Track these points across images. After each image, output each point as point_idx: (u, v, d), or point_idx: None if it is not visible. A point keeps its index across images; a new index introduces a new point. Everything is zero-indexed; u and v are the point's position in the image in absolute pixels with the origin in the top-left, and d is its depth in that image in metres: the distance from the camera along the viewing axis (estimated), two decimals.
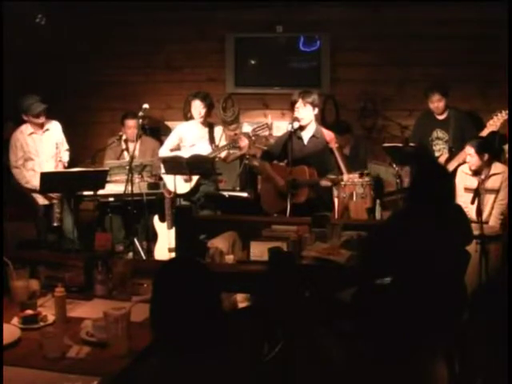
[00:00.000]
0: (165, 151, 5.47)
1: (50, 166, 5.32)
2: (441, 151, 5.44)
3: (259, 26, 6.53)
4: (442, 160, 5.28)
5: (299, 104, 4.76)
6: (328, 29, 6.36)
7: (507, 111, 4.91)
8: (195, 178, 5.33)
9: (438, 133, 5.50)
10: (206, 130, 5.46)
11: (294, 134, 4.82)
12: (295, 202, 4.74)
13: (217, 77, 6.72)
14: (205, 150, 5.32)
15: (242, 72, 6.67)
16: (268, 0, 6.26)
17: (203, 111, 5.38)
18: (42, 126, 5.33)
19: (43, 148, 5.37)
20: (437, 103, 5.41)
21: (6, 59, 6.12)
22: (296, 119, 4.86)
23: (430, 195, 3.23)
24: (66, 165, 5.51)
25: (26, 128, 5.31)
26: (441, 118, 5.49)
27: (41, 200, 5.33)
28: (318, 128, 4.94)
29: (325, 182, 4.68)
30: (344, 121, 6.27)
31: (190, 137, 5.45)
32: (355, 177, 4.64)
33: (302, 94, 4.75)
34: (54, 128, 5.44)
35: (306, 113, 4.78)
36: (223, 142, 5.46)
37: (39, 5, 6.24)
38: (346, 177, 4.68)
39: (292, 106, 4.83)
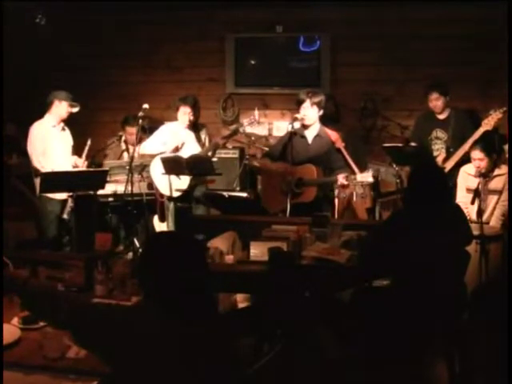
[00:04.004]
0: (150, 147, 5.45)
1: (68, 163, 5.34)
2: (439, 151, 5.45)
3: (259, 26, 6.53)
4: (439, 159, 5.28)
5: (306, 104, 4.77)
6: (328, 29, 6.36)
7: (501, 109, 4.91)
8: (186, 180, 5.29)
9: (438, 132, 5.49)
10: (190, 132, 5.49)
11: (294, 134, 4.84)
12: (302, 202, 4.75)
13: (217, 77, 6.72)
14: (194, 150, 5.32)
15: (242, 72, 6.67)
16: (268, 0, 6.26)
17: (192, 117, 5.39)
18: (59, 122, 5.37)
19: (62, 142, 5.40)
20: (435, 102, 5.41)
21: (5, 59, 6.12)
22: (296, 119, 4.88)
23: (428, 195, 3.23)
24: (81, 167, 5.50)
25: (49, 119, 5.33)
26: (441, 117, 5.49)
27: (60, 195, 5.28)
28: (322, 128, 4.95)
29: (342, 180, 4.65)
30: (339, 111, 6.24)
31: (175, 139, 5.43)
32: (368, 176, 4.60)
33: (310, 95, 4.77)
34: (68, 132, 5.51)
35: (311, 113, 4.81)
36: (206, 143, 5.49)
37: (39, 5, 6.24)
38: (359, 176, 4.65)
39: (298, 105, 4.84)
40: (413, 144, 5.49)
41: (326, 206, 4.88)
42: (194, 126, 5.53)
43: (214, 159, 5.49)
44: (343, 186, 4.79)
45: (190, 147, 5.39)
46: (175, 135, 5.44)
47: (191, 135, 5.55)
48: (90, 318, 1.94)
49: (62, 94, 5.33)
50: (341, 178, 4.63)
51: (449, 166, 5.12)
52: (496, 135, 5.05)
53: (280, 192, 4.91)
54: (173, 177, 5.28)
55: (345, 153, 4.83)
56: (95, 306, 2.29)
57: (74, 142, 5.56)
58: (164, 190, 5.37)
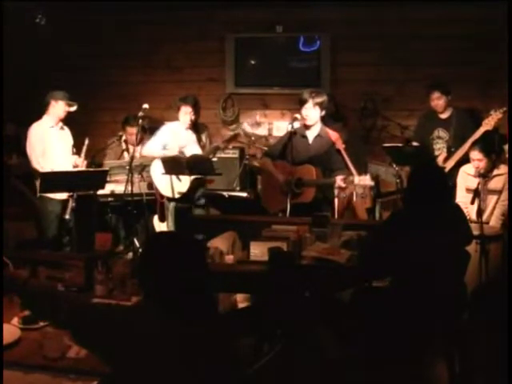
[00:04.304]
0: (151, 149, 5.45)
1: (68, 163, 5.33)
2: (440, 150, 5.45)
3: (259, 26, 6.53)
4: (440, 159, 5.29)
5: (308, 105, 4.75)
6: (328, 29, 6.36)
7: (501, 110, 4.92)
8: (187, 181, 5.30)
9: (440, 132, 5.50)
10: (191, 133, 5.50)
11: (294, 134, 4.84)
12: (301, 202, 4.75)
13: (217, 77, 6.72)
14: (195, 151, 5.33)
15: (242, 72, 6.67)
16: (268, 0, 6.26)
17: (193, 117, 5.40)
18: (58, 122, 5.36)
19: (61, 142, 5.39)
20: (436, 101, 5.43)
21: (5, 59, 6.12)
22: (295, 119, 4.88)
23: (428, 195, 3.23)
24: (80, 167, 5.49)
25: (47, 120, 5.32)
26: (443, 117, 5.49)
27: (60, 195, 5.28)
28: (323, 128, 4.94)
29: (340, 182, 4.64)
30: (339, 111, 6.22)
31: (175, 139, 5.43)
32: (366, 179, 4.59)
33: (313, 95, 4.74)
34: (68, 131, 5.50)
35: (313, 113, 4.79)
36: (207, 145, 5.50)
37: (39, 5, 6.24)
38: (357, 179, 4.65)
39: (301, 105, 4.82)
40: (414, 143, 5.50)
41: (325, 207, 4.88)
42: (195, 127, 5.53)
43: (214, 159, 5.49)
44: (341, 188, 4.79)
45: (191, 149, 5.39)
46: (176, 135, 5.44)
47: (192, 136, 5.54)
48: (90, 318, 1.94)
49: (59, 94, 5.31)
50: (339, 180, 4.63)
51: (449, 165, 5.13)
52: (496, 135, 5.05)
53: (280, 192, 4.91)
54: (174, 178, 5.28)
55: (344, 154, 4.82)
56: (95, 305, 2.29)
57: (74, 142, 5.56)
58: (164, 190, 5.37)
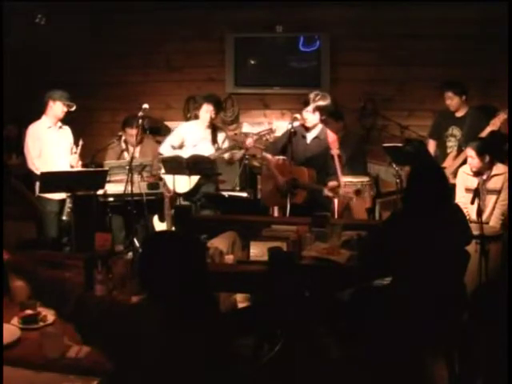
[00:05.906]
0: (166, 148, 5.46)
1: (66, 162, 5.33)
2: (451, 148, 5.46)
3: (259, 26, 6.54)
4: (450, 157, 5.30)
5: (309, 108, 4.76)
6: (328, 29, 6.37)
7: (506, 111, 4.93)
8: (196, 177, 5.33)
9: (453, 130, 5.51)
10: (208, 132, 5.47)
11: (294, 134, 4.84)
12: (293, 202, 4.76)
13: (216, 77, 6.73)
14: (207, 150, 5.33)
15: (242, 72, 6.67)
16: (268, 0, 6.26)
17: (214, 115, 5.42)
18: (56, 122, 5.36)
19: (59, 142, 5.39)
20: (449, 100, 5.44)
21: (6, 59, 6.12)
22: (295, 119, 4.89)
23: (427, 195, 3.23)
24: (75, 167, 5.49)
25: (45, 121, 5.32)
26: (458, 115, 5.49)
27: (59, 195, 5.29)
28: (323, 129, 4.94)
29: (327, 193, 4.71)
30: (339, 110, 6.21)
31: (192, 137, 5.45)
32: (350, 191, 4.68)
33: (316, 98, 4.73)
34: (67, 130, 5.49)
35: (312, 117, 4.82)
36: (226, 145, 5.48)
37: (39, 5, 6.25)
38: (341, 190, 4.74)
39: (304, 106, 4.82)
40: (431, 140, 5.55)
41: (317, 209, 4.84)
42: (214, 128, 5.55)
43: (225, 157, 5.49)
44: (328, 197, 4.83)
45: (204, 147, 5.38)
46: (187, 135, 5.46)
47: (208, 135, 5.51)
48: (93, 314, 1.95)
49: (57, 94, 5.29)
50: (326, 191, 4.71)
51: (455, 164, 5.13)
52: (496, 137, 5.05)
53: (276, 189, 4.94)
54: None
55: (337, 161, 4.84)
56: (99, 302, 2.30)
57: (74, 141, 5.56)
58: (178, 187, 5.34)
